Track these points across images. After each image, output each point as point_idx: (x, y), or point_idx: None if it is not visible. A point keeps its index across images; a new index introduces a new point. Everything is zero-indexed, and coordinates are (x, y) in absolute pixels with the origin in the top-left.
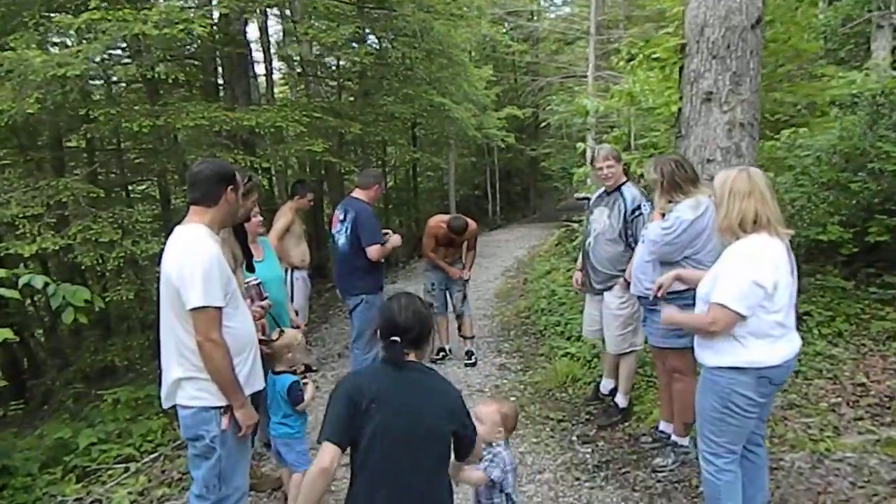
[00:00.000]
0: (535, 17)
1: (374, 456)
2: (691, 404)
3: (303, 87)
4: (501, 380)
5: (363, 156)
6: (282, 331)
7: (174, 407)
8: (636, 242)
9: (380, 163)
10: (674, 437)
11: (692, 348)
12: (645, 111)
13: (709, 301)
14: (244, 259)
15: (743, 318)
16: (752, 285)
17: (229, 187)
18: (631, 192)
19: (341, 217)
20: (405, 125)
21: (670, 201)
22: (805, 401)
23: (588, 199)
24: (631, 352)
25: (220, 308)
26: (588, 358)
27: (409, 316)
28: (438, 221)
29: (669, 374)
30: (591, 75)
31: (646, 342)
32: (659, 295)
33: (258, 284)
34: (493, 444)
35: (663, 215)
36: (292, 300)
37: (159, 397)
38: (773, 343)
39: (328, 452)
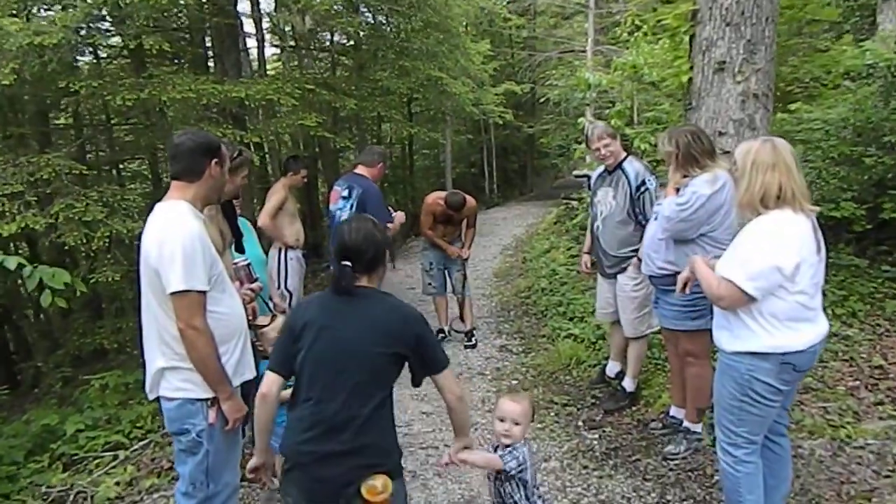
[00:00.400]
0: None
1: (302, 379)
2: (705, 389)
3: (296, 63)
4: (502, 362)
5: (358, 132)
6: (274, 315)
7: (159, 399)
8: (646, 220)
9: (375, 140)
10: (686, 424)
11: (707, 330)
12: (648, 85)
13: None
14: (233, 238)
15: (753, 299)
16: (770, 267)
17: (213, 160)
18: (633, 167)
19: (345, 193)
20: (401, 100)
21: (685, 175)
22: (822, 384)
23: (587, 176)
24: (646, 335)
25: (203, 292)
26: (592, 339)
27: (359, 238)
28: (436, 198)
29: (682, 358)
30: (590, 50)
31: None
32: (687, 291)
33: (247, 265)
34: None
35: (678, 190)
36: (286, 281)
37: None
38: (796, 326)
39: (267, 380)
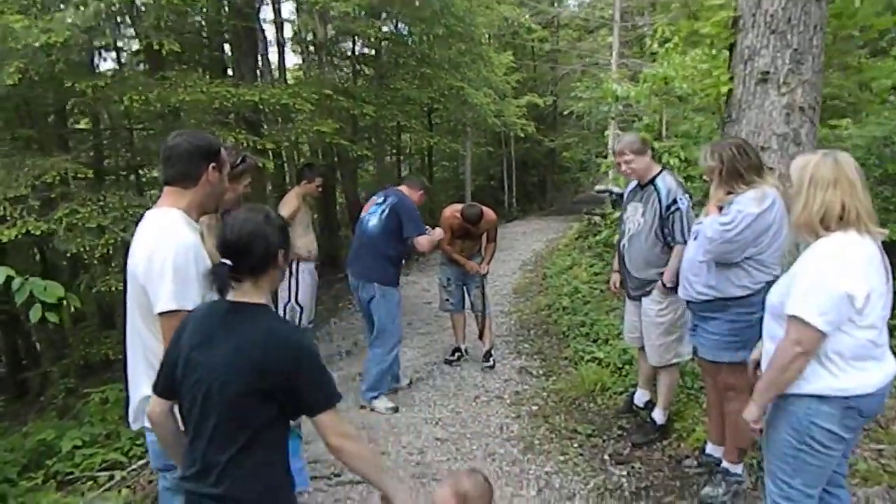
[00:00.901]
0: (556, 3)
1: (182, 409)
2: (748, 428)
3: (317, 70)
4: (522, 385)
5: (377, 142)
6: None
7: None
8: (674, 242)
9: (394, 150)
10: (725, 464)
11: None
12: (678, 98)
13: (783, 314)
14: None
15: (823, 335)
16: (839, 296)
17: (211, 165)
18: (665, 183)
19: (379, 200)
20: (421, 109)
21: (730, 192)
22: (875, 424)
23: (609, 192)
24: (675, 363)
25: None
26: (618, 364)
27: (244, 232)
28: (453, 211)
29: (722, 392)
30: (614, 63)
31: (695, 353)
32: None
33: None
34: None
35: (721, 209)
36: (297, 295)
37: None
38: (863, 366)
39: (151, 400)
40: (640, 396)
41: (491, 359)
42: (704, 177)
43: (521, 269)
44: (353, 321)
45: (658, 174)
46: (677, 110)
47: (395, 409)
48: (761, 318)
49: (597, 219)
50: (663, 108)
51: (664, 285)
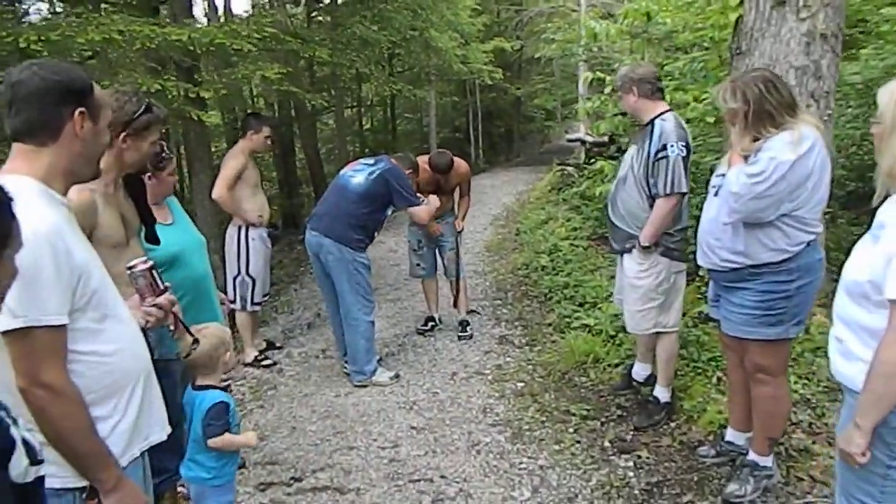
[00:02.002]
0: None
1: None
2: (779, 415)
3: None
4: (504, 358)
5: (336, 93)
6: (195, 341)
7: None
8: (656, 193)
9: (355, 102)
10: (752, 456)
11: (786, 341)
12: (664, 35)
13: (874, 296)
14: (142, 226)
15: None
16: None
17: (78, 110)
18: (662, 126)
19: (370, 162)
20: (381, 54)
21: (756, 139)
22: None
23: (582, 141)
24: (667, 332)
25: (61, 327)
26: (611, 332)
27: None
28: (420, 164)
29: (750, 373)
30: (584, 3)
31: (718, 327)
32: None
33: (150, 269)
34: None
35: (746, 158)
36: (248, 266)
37: None
38: None
39: None
40: (640, 370)
41: (468, 328)
42: (726, 120)
43: (493, 224)
44: (316, 288)
45: (660, 114)
46: (661, 49)
47: (397, 376)
48: (800, 287)
49: (570, 169)
50: (644, 47)
51: (641, 246)
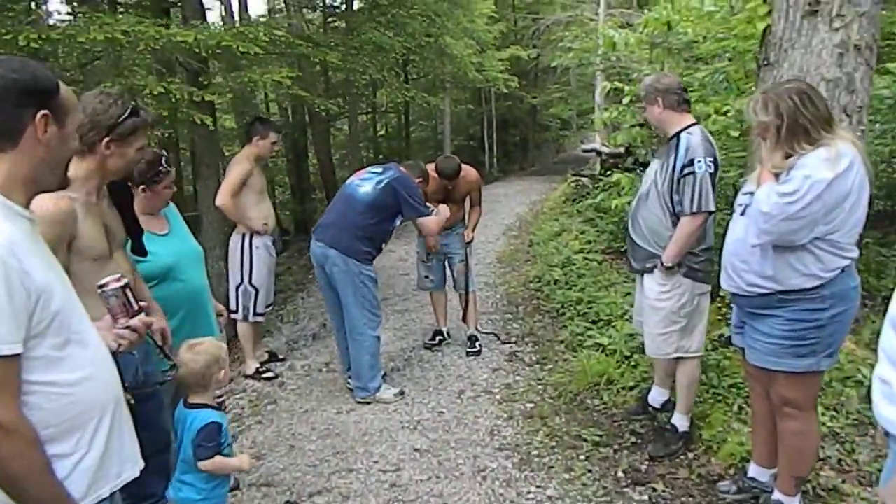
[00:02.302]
0: None
1: None
2: (808, 452)
3: (286, 25)
4: (513, 376)
5: (350, 99)
6: (173, 367)
7: None
8: (682, 212)
9: (370, 109)
10: (777, 496)
11: (818, 374)
12: (684, 45)
13: None
14: (127, 238)
15: None
16: None
17: (40, 113)
18: (688, 140)
19: (377, 170)
20: (396, 61)
21: (790, 154)
22: None
23: (598, 151)
24: (689, 357)
25: (13, 357)
26: (625, 353)
27: None
28: (429, 171)
29: (777, 407)
30: (602, 12)
31: (742, 355)
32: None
33: (123, 288)
34: None
35: (777, 175)
36: (251, 275)
37: None
38: None
39: None
40: (657, 395)
41: (477, 344)
42: (754, 134)
43: (505, 234)
44: (322, 298)
45: (686, 128)
46: (681, 60)
47: (402, 393)
48: (834, 316)
49: (585, 180)
50: (664, 57)
51: (663, 265)
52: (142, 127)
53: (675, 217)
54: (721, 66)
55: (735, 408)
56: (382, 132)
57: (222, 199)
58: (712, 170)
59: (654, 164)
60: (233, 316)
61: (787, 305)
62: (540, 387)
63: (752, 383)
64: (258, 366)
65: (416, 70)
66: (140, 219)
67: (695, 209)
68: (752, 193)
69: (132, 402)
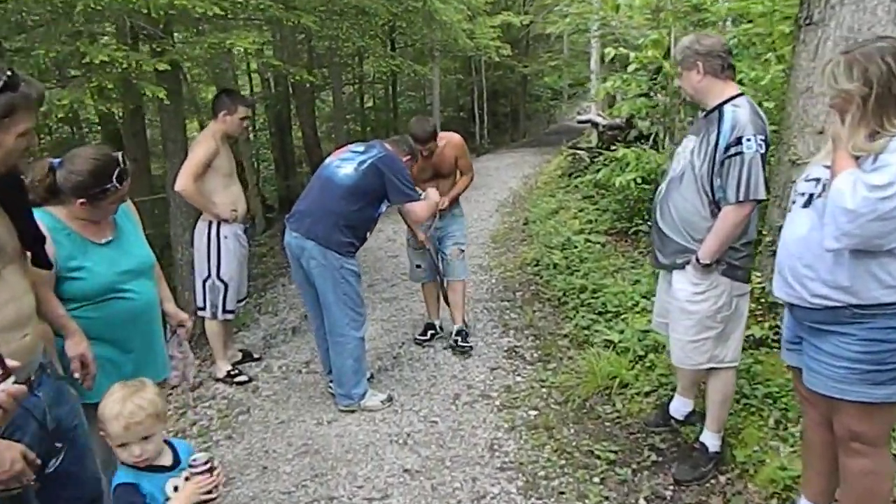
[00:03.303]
0: None
1: None
2: (882, 497)
3: None
4: (514, 376)
5: (334, 70)
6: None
7: None
8: (725, 199)
9: (356, 81)
10: None
11: (893, 405)
12: (692, 7)
13: None
14: (23, 248)
15: None
16: None
17: None
18: (734, 114)
19: (360, 149)
20: (382, 27)
21: (876, 134)
22: None
23: (594, 123)
24: (724, 368)
25: None
26: (639, 352)
27: None
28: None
29: (839, 438)
30: None
31: (795, 373)
32: None
33: None
34: None
35: (857, 159)
36: (219, 268)
37: None
38: None
39: None
40: (680, 406)
41: (467, 338)
42: (830, 104)
43: (499, 211)
44: None
45: (730, 99)
46: (688, 24)
47: (390, 399)
48: None
49: (581, 153)
50: (671, 21)
51: (699, 261)
52: (22, 105)
53: (715, 205)
54: (746, 28)
55: (771, 422)
56: (370, 104)
57: (183, 183)
58: (763, 150)
59: (689, 142)
60: (200, 313)
61: (863, 322)
62: (544, 390)
63: (807, 409)
64: (230, 368)
65: (403, 38)
66: (72, 223)
67: (741, 197)
68: (817, 180)
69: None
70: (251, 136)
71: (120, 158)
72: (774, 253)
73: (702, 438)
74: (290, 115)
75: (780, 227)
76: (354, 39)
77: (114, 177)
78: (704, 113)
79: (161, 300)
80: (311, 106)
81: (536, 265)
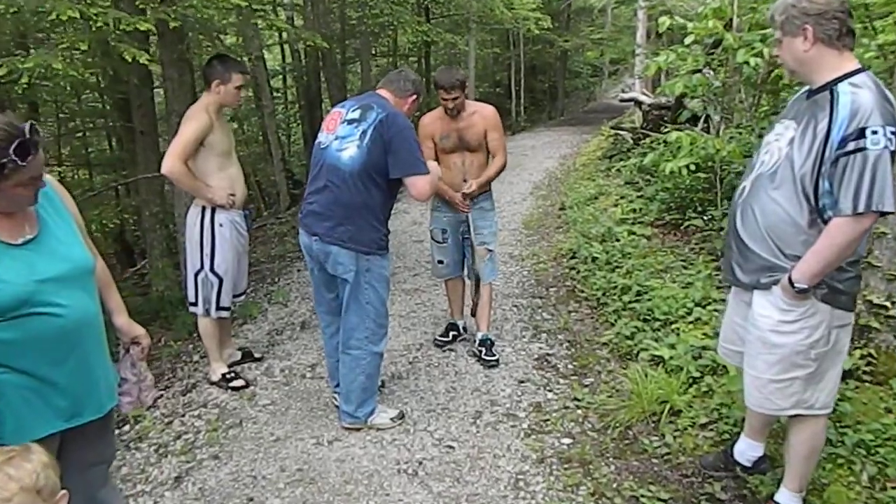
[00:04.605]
0: None
1: None
2: None
3: None
4: (545, 392)
5: (363, 41)
6: None
7: None
8: (836, 209)
9: (390, 54)
10: None
11: None
12: None
13: None
14: None
15: None
16: None
17: None
18: (853, 97)
19: (353, 115)
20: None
21: None
22: None
23: (638, 102)
24: (813, 415)
25: None
26: (694, 372)
27: None
28: (435, 116)
29: None
30: None
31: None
32: None
33: None
34: None
35: None
36: (213, 261)
37: None
38: None
39: None
40: (747, 450)
41: (492, 348)
42: None
43: (533, 194)
44: None
45: (841, 78)
46: None
47: (402, 416)
48: None
49: (625, 134)
50: None
51: (792, 284)
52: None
53: (818, 214)
54: None
55: (864, 478)
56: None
57: (170, 164)
58: (893, 146)
59: (786, 129)
60: (192, 309)
61: None
62: (580, 411)
63: None
64: (225, 370)
65: (439, 8)
66: None
67: (860, 207)
68: None
69: None
70: (275, 108)
71: (26, 129)
72: (870, 264)
73: (777, 498)
74: (319, 89)
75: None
76: (382, 6)
77: (12, 149)
78: (808, 92)
79: (109, 312)
80: (341, 78)
81: (573, 257)
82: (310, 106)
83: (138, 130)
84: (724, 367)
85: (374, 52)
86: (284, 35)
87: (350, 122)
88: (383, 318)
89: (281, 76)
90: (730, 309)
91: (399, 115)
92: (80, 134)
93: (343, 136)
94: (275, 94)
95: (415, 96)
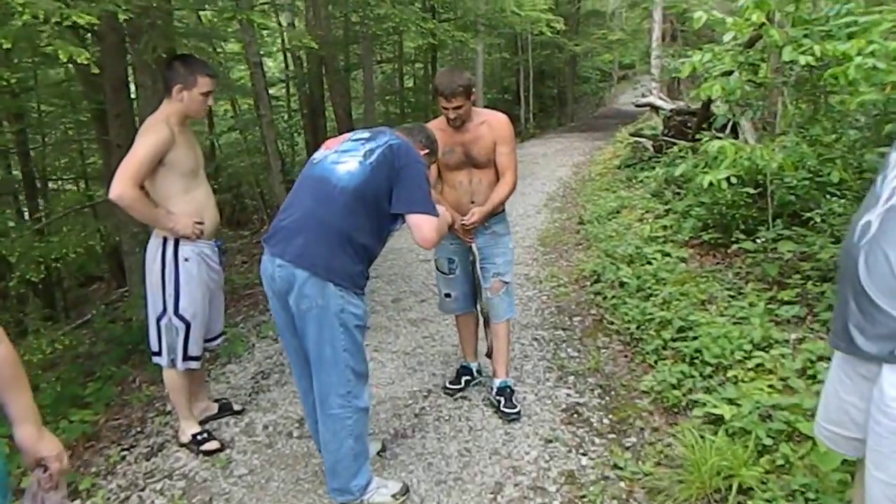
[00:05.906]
0: None
1: None
2: None
3: None
4: (579, 454)
5: (364, 46)
6: None
7: None
8: None
9: (395, 59)
10: None
11: None
12: None
13: None
14: None
15: None
16: None
17: None
18: None
19: (364, 135)
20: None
21: None
22: None
23: (655, 107)
24: None
25: None
26: (765, 439)
27: None
28: (437, 124)
29: None
30: None
31: None
32: None
33: None
34: None
35: None
36: (177, 302)
37: None
38: None
39: None
40: None
41: (512, 397)
42: None
43: (547, 205)
44: None
45: None
46: None
47: (406, 491)
48: None
49: (644, 142)
50: None
51: None
52: None
53: None
54: None
55: None
56: (410, 83)
57: (119, 189)
58: None
59: None
60: (155, 360)
61: None
62: (622, 483)
63: None
64: (197, 430)
65: (447, 9)
66: None
67: None
68: None
69: None
70: (276, 117)
71: None
72: None
73: None
74: (322, 96)
75: None
76: (386, 8)
77: None
78: None
79: (10, 421)
80: (344, 86)
81: (597, 281)
82: (312, 114)
83: (114, 144)
84: (801, 432)
85: (378, 57)
86: (287, 42)
87: (357, 140)
88: (362, 365)
89: (283, 84)
90: (836, 381)
91: (414, 148)
92: (74, 145)
93: (344, 151)
94: (277, 102)
95: (427, 152)
